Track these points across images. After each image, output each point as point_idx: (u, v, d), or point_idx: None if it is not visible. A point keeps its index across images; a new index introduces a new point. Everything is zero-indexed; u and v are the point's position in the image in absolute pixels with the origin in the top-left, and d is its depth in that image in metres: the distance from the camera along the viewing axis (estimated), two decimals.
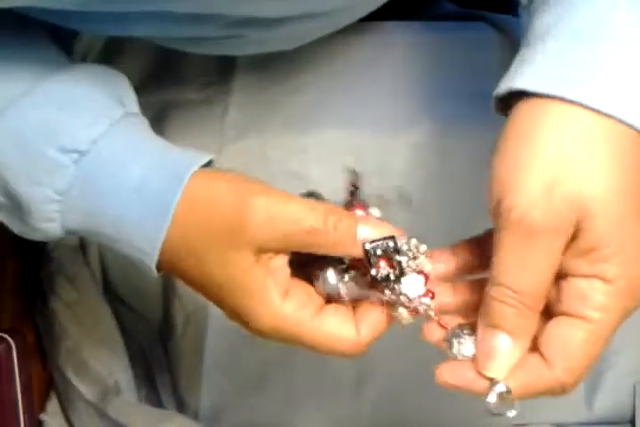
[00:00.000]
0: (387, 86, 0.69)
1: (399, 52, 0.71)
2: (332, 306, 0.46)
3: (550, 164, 0.39)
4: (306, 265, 0.47)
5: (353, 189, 0.48)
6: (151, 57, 0.73)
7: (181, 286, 0.72)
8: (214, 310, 0.71)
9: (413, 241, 0.45)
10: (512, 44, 0.70)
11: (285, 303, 0.45)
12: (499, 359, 0.41)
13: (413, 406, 0.72)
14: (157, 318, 0.75)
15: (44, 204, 0.47)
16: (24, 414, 0.71)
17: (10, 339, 0.70)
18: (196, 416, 0.74)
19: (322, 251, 0.45)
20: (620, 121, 0.39)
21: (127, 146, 0.48)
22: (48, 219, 0.48)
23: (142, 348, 0.76)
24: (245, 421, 0.74)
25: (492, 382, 0.41)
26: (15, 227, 0.50)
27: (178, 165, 0.47)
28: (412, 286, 0.44)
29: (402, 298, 0.44)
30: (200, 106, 0.71)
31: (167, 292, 0.73)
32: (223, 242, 0.45)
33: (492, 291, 0.41)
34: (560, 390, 0.41)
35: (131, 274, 0.74)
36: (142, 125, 0.50)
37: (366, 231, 0.44)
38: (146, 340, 0.76)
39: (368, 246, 0.44)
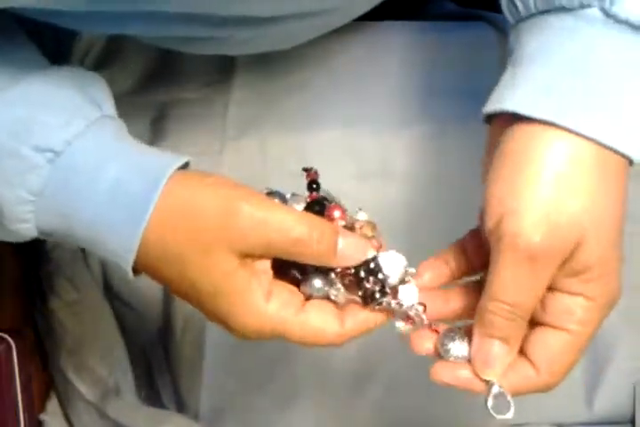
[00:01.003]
0: (387, 85, 0.70)
1: (399, 51, 0.71)
2: (314, 301, 0.47)
3: (546, 188, 0.42)
4: (283, 266, 0.48)
5: (314, 186, 0.49)
6: (151, 56, 0.73)
7: None
8: None
9: (393, 256, 0.47)
10: None
11: (269, 304, 0.46)
12: (495, 364, 0.45)
13: (414, 405, 0.72)
14: (158, 318, 0.75)
15: (18, 204, 0.46)
16: (24, 414, 0.71)
17: (10, 339, 0.70)
18: (196, 416, 0.74)
19: (303, 260, 0.46)
20: (606, 146, 0.42)
21: (102, 147, 0.47)
22: (22, 220, 0.47)
23: (142, 348, 0.76)
24: (245, 421, 0.74)
25: (489, 384, 0.45)
26: None
27: (154, 168, 0.47)
28: (408, 294, 0.47)
29: (393, 306, 0.47)
30: (200, 105, 0.71)
31: (167, 292, 0.73)
32: (205, 246, 0.45)
33: (490, 306, 0.44)
34: (545, 389, 0.46)
35: None
36: (119, 128, 0.49)
37: (346, 246, 0.46)
38: (146, 340, 0.76)
39: (352, 270, 0.47)
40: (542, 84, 0.43)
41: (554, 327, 0.44)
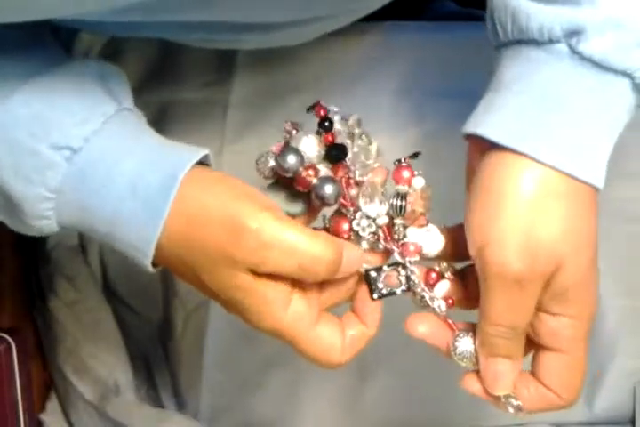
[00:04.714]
0: (386, 86, 0.70)
1: (399, 52, 0.71)
2: (325, 318, 0.47)
3: (523, 218, 0.43)
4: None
5: (327, 124, 0.47)
6: (151, 57, 0.73)
7: (181, 286, 0.72)
8: (214, 310, 0.71)
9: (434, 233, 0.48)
10: None
11: (287, 314, 0.45)
12: (504, 380, 0.47)
13: (415, 403, 0.72)
14: (157, 318, 0.75)
15: (38, 202, 0.46)
16: (24, 414, 0.71)
17: (10, 339, 0.70)
18: (195, 416, 0.74)
19: (306, 280, 0.45)
20: (568, 175, 0.43)
21: (120, 142, 0.47)
22: (42, 216, 0.47)
23: (142, 347, 0.77)
24: (245, 420, 0.74)
25: (506, 396, 0.47)
26: (11, 224, 0.49)
27: (172, 162, 0.46)
28: (439, 288, 0.48)
29: (418, 291, 0.48)
30: (200, 106, 0.71)
31: (167, 292, 0.73)
32: (213, 260, 0.44)
33: (489, 329, 0.46)
34: (568, 407, 0.48)
35: (131, 274, 0.74)
36: (137, 120, 0.49)
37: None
38: (146, 339, 0.76)
39: (374, 274, 0.47)
40: (512, 112, 0.44)
41: (550, 349, 0.46)
